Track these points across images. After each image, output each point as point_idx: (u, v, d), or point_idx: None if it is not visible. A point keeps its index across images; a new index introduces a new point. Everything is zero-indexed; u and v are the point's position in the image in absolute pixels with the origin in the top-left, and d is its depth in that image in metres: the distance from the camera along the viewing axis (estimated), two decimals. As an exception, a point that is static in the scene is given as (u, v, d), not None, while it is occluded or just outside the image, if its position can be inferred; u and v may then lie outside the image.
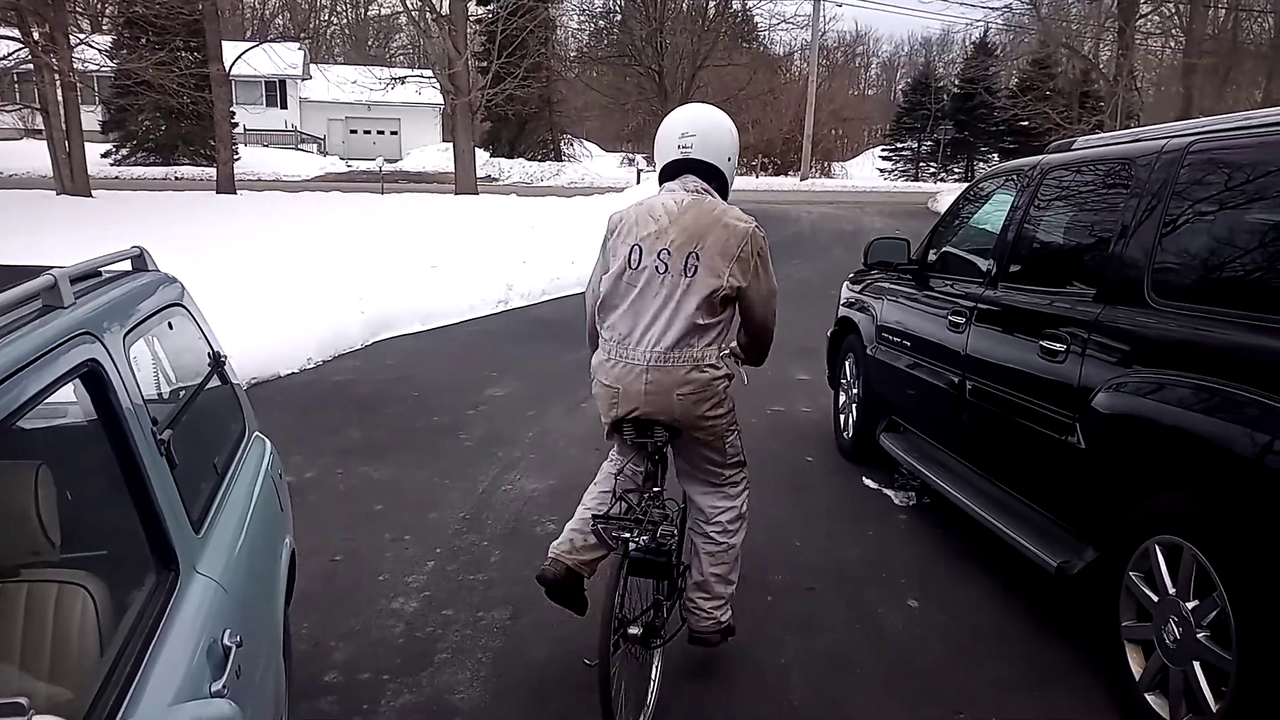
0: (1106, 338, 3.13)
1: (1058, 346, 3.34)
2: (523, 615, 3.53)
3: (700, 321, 2.81)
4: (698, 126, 2.97)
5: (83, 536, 1.64)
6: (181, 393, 2.13)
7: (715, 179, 2.98)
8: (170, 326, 2.07)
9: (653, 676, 2.94)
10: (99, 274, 1.93)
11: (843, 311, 5.99)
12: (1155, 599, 2.80)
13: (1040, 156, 4.19)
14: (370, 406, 6.50)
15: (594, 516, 2.87)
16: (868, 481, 5.24)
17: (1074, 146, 4.00)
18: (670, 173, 3.01)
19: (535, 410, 6.44)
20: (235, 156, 31.05)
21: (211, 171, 24.82)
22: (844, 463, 5.61)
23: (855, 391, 5.66)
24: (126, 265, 2.11)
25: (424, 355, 8.31)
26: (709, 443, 2.98)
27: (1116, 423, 2.99)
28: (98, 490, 1.67)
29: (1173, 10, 25.10)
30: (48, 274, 1.53)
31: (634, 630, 2.68)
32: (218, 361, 2.39)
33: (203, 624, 1.61)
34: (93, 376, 1.53)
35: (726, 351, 2.93)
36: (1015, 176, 4.32)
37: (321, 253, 12.46)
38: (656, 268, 2.83)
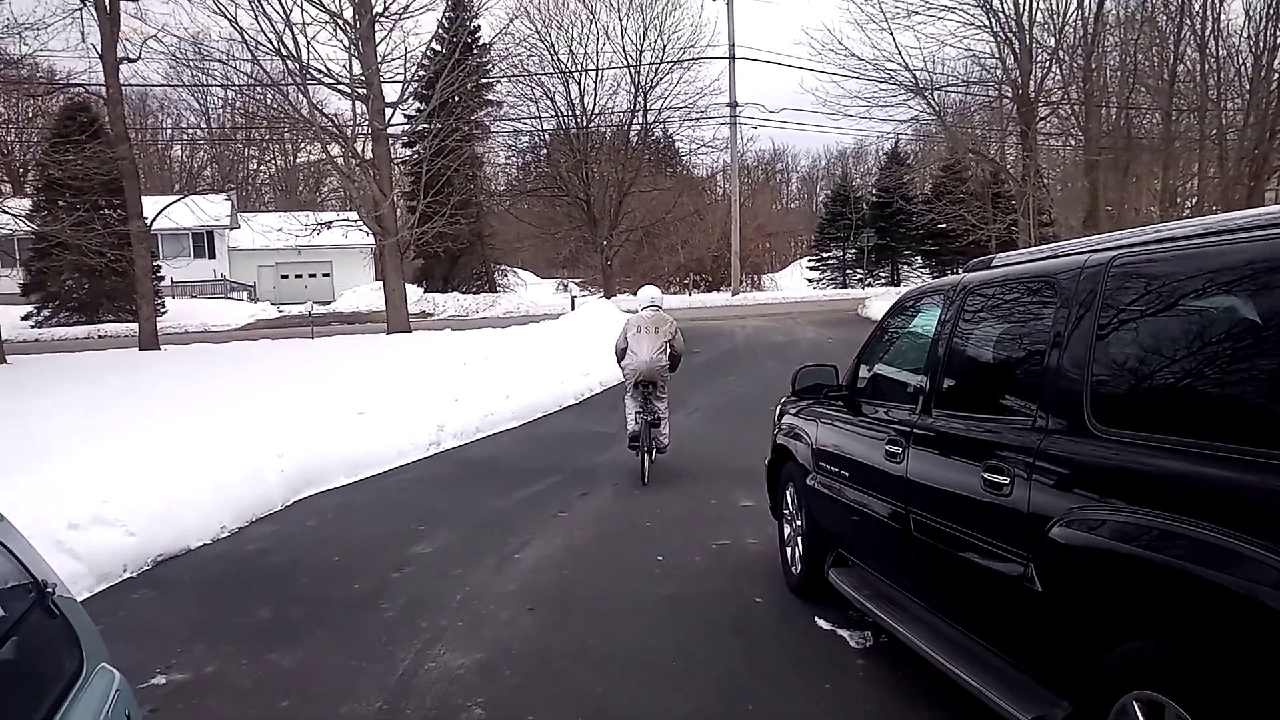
0: (1051, 469, 2.92)
1: (1002, 479, 3.12)
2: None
3: (662, 349, 8.59)
4: (651, 296, 9.04)
5: None
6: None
7: (658, 307, 8.98)
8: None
9: (651, 459, 8.59)
10: None
11: (780, 440, 5.76)
12: (1143, 762, 2.50)
13: (960, 276, 4.05)
14: (285, 578, 6.02)
15: (635, 414, 8.66)
16: (820, 622, 4.90)
17: (993, 264, 3.88)
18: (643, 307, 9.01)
19: (463, 568, 6.03)
20: (161, 310, 30.55)
21: (137, 327, 24.16)
22: (795, 601, 5.28)
23: (799, 523, 5.38)
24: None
25: (347, 512, 7.85)
26: (662, 388, 8.73)
27: (1073, 563, 2.75)
28: None
29: (1069, 112, 26.32)
30: None
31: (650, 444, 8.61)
32: (42, 592, 2.03)
33: None
34: None
35: (667, 361, 8.67)
36: (937, 297, 4.17)
37: (243, 406, 11.94)
38: (647, 332, 8.61)
